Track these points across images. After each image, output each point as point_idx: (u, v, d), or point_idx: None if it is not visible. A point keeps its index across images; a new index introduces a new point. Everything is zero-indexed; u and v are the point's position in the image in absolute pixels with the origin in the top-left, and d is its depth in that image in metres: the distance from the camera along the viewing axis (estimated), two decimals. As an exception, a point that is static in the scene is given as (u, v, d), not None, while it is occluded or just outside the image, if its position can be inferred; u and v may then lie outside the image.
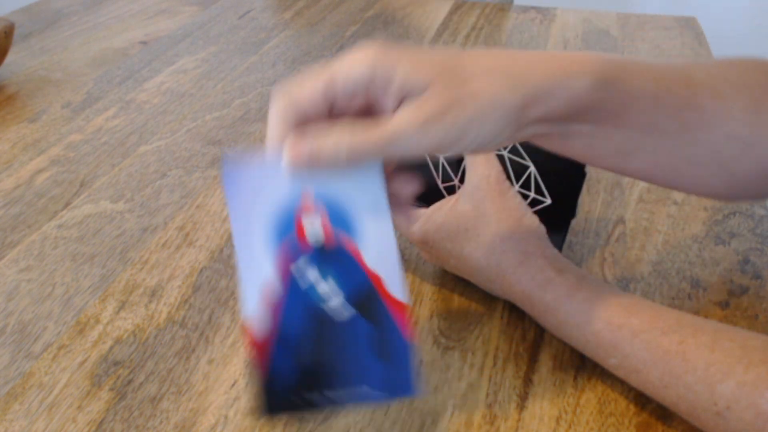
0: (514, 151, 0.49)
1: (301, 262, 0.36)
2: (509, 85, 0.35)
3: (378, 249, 0.36)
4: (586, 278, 0.44)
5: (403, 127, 0.33)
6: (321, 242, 0.36)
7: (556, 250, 0.46)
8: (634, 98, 0.38)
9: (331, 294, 0.36)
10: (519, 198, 0.47)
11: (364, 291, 0.36)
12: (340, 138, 0.34)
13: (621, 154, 0.40)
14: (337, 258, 0.36)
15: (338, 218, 0.36)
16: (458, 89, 0.34)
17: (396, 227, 0.48)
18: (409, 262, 0.54)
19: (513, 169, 0.49)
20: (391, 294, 0.36)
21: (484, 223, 0.46)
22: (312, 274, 0.36)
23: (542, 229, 0.47)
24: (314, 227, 0.36)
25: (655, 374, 0.39)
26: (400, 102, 0.34)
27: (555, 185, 0.49)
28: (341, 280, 0.36)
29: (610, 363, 0.41)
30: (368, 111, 0.36)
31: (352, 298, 0.36)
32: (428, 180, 0.50)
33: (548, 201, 0.49)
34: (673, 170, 0.42)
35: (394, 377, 0.36)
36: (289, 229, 0.36)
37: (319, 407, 0.36)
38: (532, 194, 0.49)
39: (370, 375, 0.36)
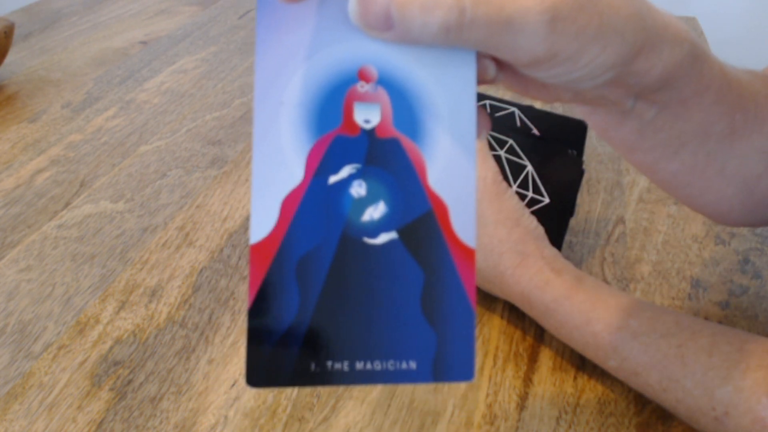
0: (511, 150, 0.49)
1: (336, 144, 0.26)
2: (639, 16, 0.29)
3: (450, 167, 0.26)
4: (585, 279, 0.44)
5: (526, 10, 0.25)
6: (372, 127, 0.26)
7: (555, 251, 0.46)
8: (705, 86, 0.35)
9: (368, 204, 0.26)
10: (516, 199, 0.47)
11: (419, 218, 0.26)
12: None
13: (664, 151, 0.38)
14: (390, 158, 0.26)
15: (404, 114, 0.26)
16: None
17: None
18: (409, 262, 0.54)
19: (510, 169, 0.49)
20: (455, 232, 0.26)
21: (481, 224, 0.46)
22: (347, 168, 0.26)
23: (540, 229, 0.47)
24: (368, 114, 0.26)
25: (654, 377, 0.39)
26: None
27: (553, 184, 0.49)
28: (388, 191, 0.26)
29: (610, 365, 0.41)
30: None
31: (398, 223, 0.26)
32: None
33: (546, 200, 0.49)
34: (703, 180, 0.40)
35: (447, 353, 0.26)
36: (334, 121, 0.26)
37: (339, 383, 0.26)
38: (530, 194, 0.49)
39: (417, 345, 0.26)
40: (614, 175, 0.64)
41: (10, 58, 0.94)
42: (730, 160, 0.39)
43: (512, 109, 0.51)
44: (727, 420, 0.36)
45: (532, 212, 0.49)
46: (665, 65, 0.31)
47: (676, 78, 0.33)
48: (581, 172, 0.50)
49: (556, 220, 0.50)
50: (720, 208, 0.42)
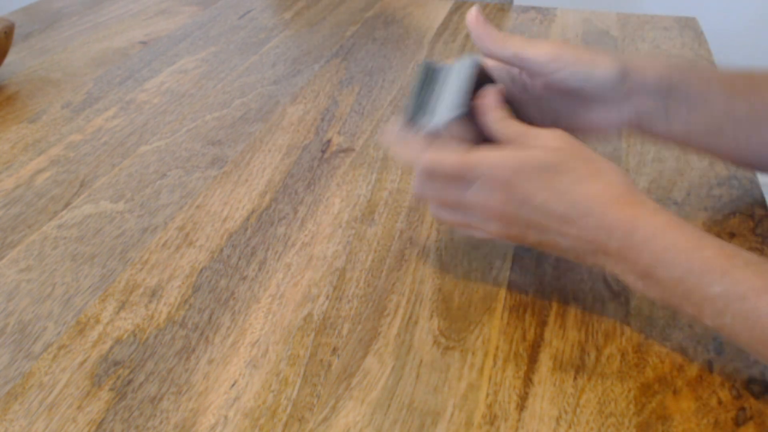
0: None
1: None
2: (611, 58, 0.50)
3: None
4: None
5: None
6: None
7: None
8: (707, 82, 0.52)
9: None
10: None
11: None
12: None
13: (712, 136, 0.53)
14: None
15: None
16: None
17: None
18: (409, 262, 0.54)
19: None
20: None
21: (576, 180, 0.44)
22: None
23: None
24: None
25: (764, 301, 0.38)
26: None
27: None
28: None
29: (712, 291, 0.39)
30: None
31: None
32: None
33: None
34: (756, 152, 0.53)
35: None
36: None
37: None
38: None
39: None
40: (614, 175, 0.64)
41: (10, 58, 0.94)
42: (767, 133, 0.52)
43: None
44: None
45: None
46: (655, 75, 0.51)
47: (673, 82, 0.51)
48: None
49: None
50: None
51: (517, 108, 0.54)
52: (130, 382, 0.44)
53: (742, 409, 0.42)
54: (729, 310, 0.39)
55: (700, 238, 0.41)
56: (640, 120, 0.53)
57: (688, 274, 0.40)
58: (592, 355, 0.45)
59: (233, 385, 0.44)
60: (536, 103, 0.54)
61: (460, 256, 0.54)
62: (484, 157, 0.45)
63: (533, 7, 1.09)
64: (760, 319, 0.38)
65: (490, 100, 0.49)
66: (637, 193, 0.43)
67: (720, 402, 0.42)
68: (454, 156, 0.46)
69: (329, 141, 0.72)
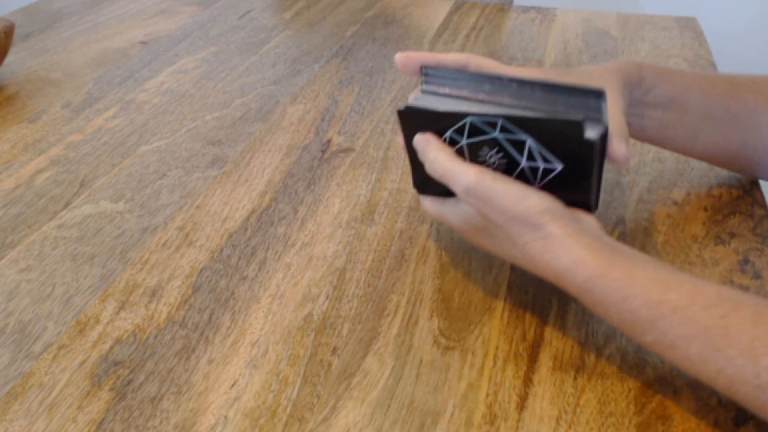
0: (504, 130, 0.47)
1: None
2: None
3: None
4: (619, 252, 0.42)
5: None
6: None
7: (579, 220, 0.44)
8: (684, 87, 0.54)
9: None
10: (509, 185, 0.44)
11: None
12: None
13: (688, 138, 0.56)
14: None
15: None
16: None
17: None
18: (409, 262, 0.54)
19: (514, 148, 0.47)
20: None
21: (493, 225, 0.45)
22: None
23: (551, 202, 0.44)
24: None
25: (694, 349, 0.38)
26: None
27: (559, 148, 0.46)
28: None
29: (646, 339, 0.40)
30: None
31: None
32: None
33: (558, 166, 0.47)
34: (733, 153, 0.56)
35: None
36: None
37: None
38: (541, 164, 0.47)
39: None
40: (614, 175, 0.64)
41: (10, 58, 0.94)
42: (747, 135, 0.55)
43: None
44: None
45: (551, 181, 0.47)
46: (631, 81, 0.53)
47: (648, 86, 0.54)
48: (579, 125, 0.45)
49: (579, 182, 0.47)
50: (757, 172, 0.59)
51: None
52: (130, 382, 0.44)
53: (742, 409, 0.42)
54: (665, 355, 0.40)
55: (627, 286, 0.40)
56: None
57: (621, 324, 0.42)
58: (592, 355, 0.45)
59: (233, 385, 0.44)
60: None
61: (460, 256, 0.54)
62: (448, 216, 0.50)
63: (533, 7, 1.09)
64: (694, 367, 0.39)
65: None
66: (558, 230, 0.43)
67: (720, 402, 0.42)
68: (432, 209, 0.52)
69: (329, 141, 0.72)
